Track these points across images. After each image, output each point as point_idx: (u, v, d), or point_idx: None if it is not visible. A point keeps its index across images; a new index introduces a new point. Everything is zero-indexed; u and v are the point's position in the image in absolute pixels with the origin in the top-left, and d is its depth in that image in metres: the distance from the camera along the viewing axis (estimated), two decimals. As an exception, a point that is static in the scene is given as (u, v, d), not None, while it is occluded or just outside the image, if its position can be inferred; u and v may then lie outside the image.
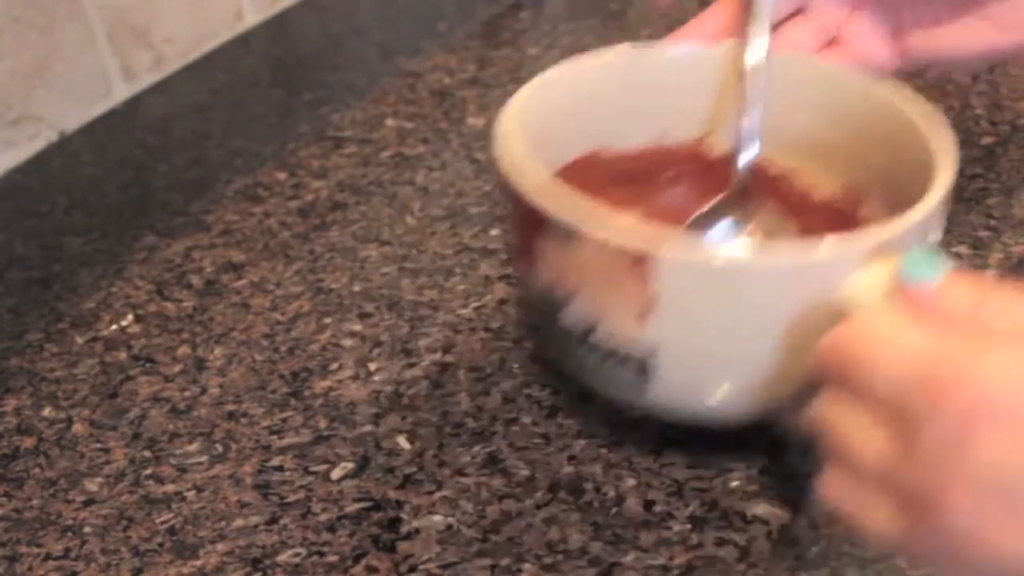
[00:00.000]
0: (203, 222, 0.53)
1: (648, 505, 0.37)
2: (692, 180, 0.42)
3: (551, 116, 0.38)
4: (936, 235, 0.34)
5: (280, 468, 0.40)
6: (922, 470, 0.26)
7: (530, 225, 0.34)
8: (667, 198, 0.43)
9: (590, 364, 0.35)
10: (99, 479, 0.40)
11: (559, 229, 0.33)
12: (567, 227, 0.32)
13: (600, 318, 0.34)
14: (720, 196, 0.39)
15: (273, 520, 0.38)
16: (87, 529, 0.38)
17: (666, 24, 0.65)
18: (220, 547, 0.37)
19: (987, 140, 0.54)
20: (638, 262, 0.31)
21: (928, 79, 0.57)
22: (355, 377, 0.43)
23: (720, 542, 0.36)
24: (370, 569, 0.36)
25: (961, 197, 0.49)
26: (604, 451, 0.39)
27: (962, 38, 0.40)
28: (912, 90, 0.37)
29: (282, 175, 0.56)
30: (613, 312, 0.33)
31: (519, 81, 0.38)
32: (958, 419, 0.25)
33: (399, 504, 0.38)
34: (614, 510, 0.37)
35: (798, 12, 0.41)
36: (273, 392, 0.43)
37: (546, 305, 0.35)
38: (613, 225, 0.32)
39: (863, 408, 0.28)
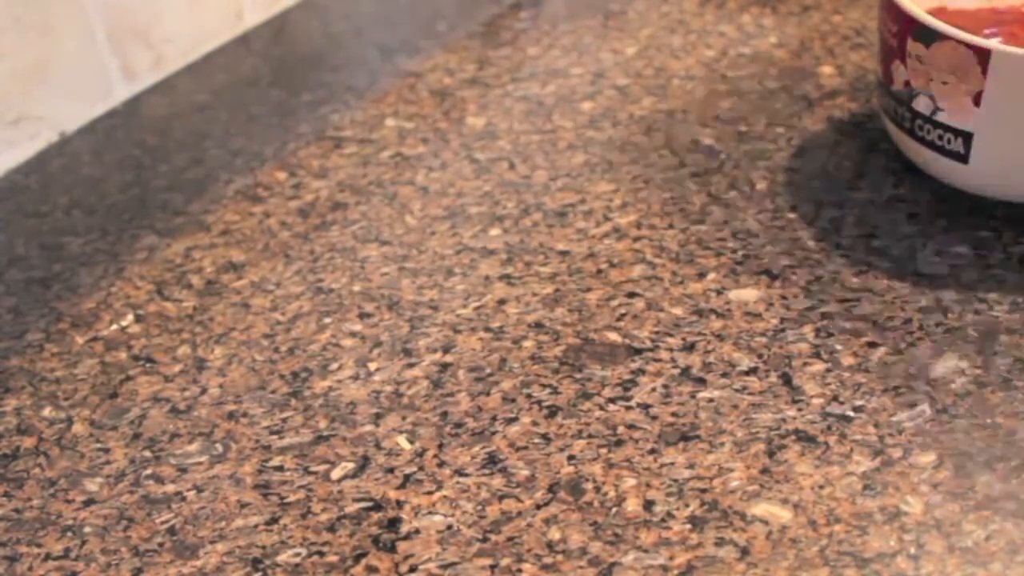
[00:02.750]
0: (203, 222, 0.53)
1: (648, 505, 0.37)
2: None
3: None
4: None
5: (280, 468, 0.40)
6: None
7: (903, 30, 0.46)
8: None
9: (929, 141, 0.47)
10: (99, 479, 0.40)
11: (926, 31, 0.44)
12: (933, 29, 0.44)
13: (945, 102, 0.45)
14: None
15: (273, 520, 0.38)
16: (87, 529, 0.38)
17: (666, 24, 0.65)
18: (220, 547, 0.37)
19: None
20: (980, 56, 0.43)
21: None
22: (355, 377, 0.43)
23: (720, 542, 0.36)
24: (370, 569, 0.36)
25: (961, 196, 0.49)
26: (604, 451, 0.39)
27: None
28: None
29: (282, 175, 0.56)
30: (955, 97, 0.44)
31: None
32: None
33: (399, 504, 0.38)
34: (614, 510, 0.37)
35: None
36: (273, 392, 0.43)
37: (904, 95, 0.47)
38: (964, 29, 0.44)
39: None
